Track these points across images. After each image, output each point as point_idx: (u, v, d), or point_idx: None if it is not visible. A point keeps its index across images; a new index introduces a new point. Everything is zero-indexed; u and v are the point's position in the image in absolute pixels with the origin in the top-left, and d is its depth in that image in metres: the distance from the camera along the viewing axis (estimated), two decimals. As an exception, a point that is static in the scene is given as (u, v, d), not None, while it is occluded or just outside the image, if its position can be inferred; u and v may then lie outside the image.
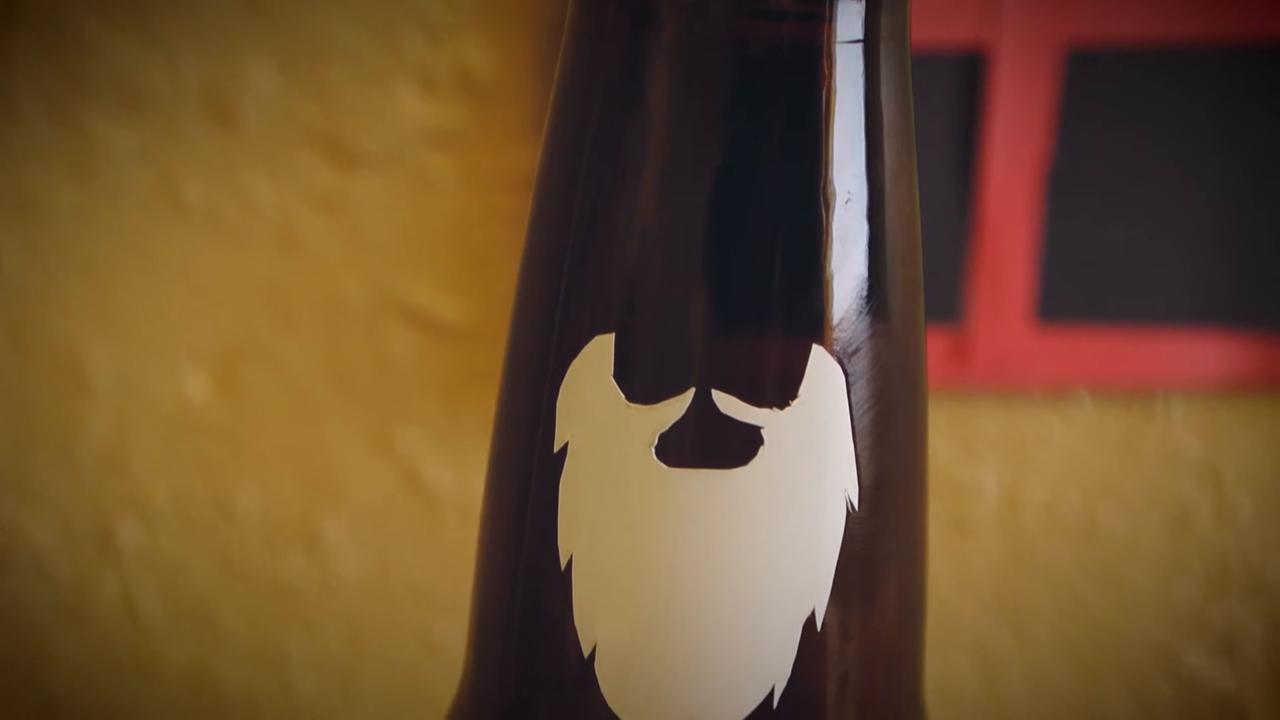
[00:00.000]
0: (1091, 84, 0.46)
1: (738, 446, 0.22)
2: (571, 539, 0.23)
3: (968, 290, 0.47)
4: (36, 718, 0.50)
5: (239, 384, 0.48)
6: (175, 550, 0.49)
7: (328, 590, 0.49)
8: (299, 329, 0.47)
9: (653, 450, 0.22)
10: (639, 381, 0.22)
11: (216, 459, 0.48)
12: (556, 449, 0.23)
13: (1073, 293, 0.47)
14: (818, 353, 0.22)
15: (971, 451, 0.49)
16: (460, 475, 0.48)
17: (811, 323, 0.22)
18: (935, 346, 0.47)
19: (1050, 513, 0.49)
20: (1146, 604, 0.50)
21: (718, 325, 0.22)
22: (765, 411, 0.22)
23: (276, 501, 0.49)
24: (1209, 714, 0.51)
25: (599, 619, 0.23)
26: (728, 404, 0.22)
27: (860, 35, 0.22)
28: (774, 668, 0.22)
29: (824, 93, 0.22)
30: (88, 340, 0.47)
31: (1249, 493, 0.49)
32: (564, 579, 0.23)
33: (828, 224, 0.22)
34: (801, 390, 0.22)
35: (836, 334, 0.22)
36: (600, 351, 0.22)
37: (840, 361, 0.22)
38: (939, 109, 0.46)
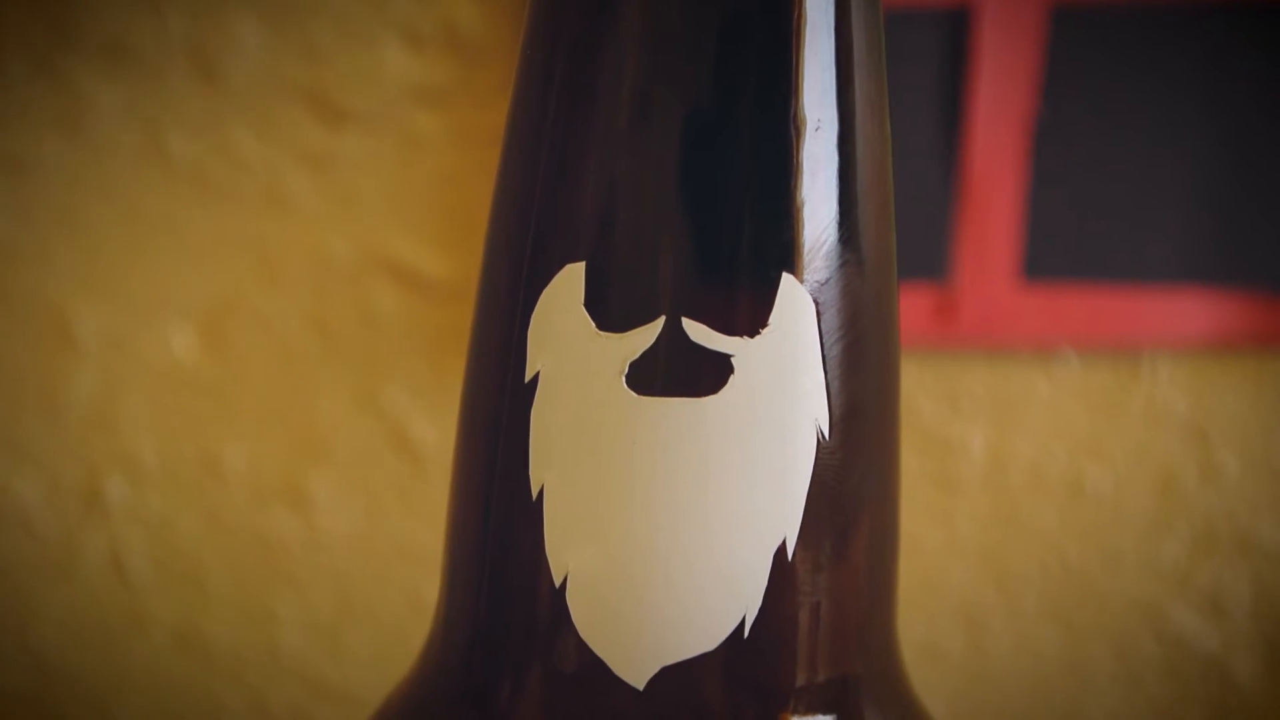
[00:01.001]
0: (1076, 41, 0.46)
1: (708, 375, 0.22)
2: (543, 469, 0.23)
3: (953, 248, 0.47)
4: (23, 675, 0.50)
5: (225, 341, 0.48)
6: (162, 507, 0.49)
7: (314, 547, 0.49)
8: (286, 286, 0.47)
9: (623, 379, 0.22)
10: (609, 310, 0.22)
11: (203, 416, 0.48)
12: (528, 378, 0.23)
13: (1059, 250, 0.47)
14: (788, 281, 0.22)
15: (957, 410, 0.49)
16: (446, 432, 0.48)
17: (782, 251, 0.22)
18: (921, 304, 0.47)
19: (1036, 472, 0.49)
20: (1132, 563, 0.50)
21: (688, 253, 0.22)
22: (735, 340, 0.22)
23: (263, 458, 0.49)
24: (1194, 673, 0.51)
25: (570, 549, 0.23)
26: (698, 332, 0.22)
27: (831, -38, 0.22)
28: (745, 596, 0.22)
29: (795, 19, 0.22)
30: (74, 297, 0.47)
31: (1235, 452, 0.49)
32: (535, 509, 0.23)
33: (798, 152, 0.22)
34: (772, 319, 0.22)
35: (807, 262, 0.22)
36: (571, 280, 0.22)
37: (811, 290, 0.22)
38: (924, 66, 0.46)
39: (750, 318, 0.22)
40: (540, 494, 0.23)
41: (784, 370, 0.22)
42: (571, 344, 0.22)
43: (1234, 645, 0.51)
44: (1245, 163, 0.46)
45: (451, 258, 0.47)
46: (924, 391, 0.48)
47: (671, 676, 0.22)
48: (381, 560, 0.49)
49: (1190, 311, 0.47)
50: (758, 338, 0.22)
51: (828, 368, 0.22)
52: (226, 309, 0.48)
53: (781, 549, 0.22)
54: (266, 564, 0.49)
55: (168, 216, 0.47)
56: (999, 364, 0.48)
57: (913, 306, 0.47)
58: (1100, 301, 0.47)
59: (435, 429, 0.48)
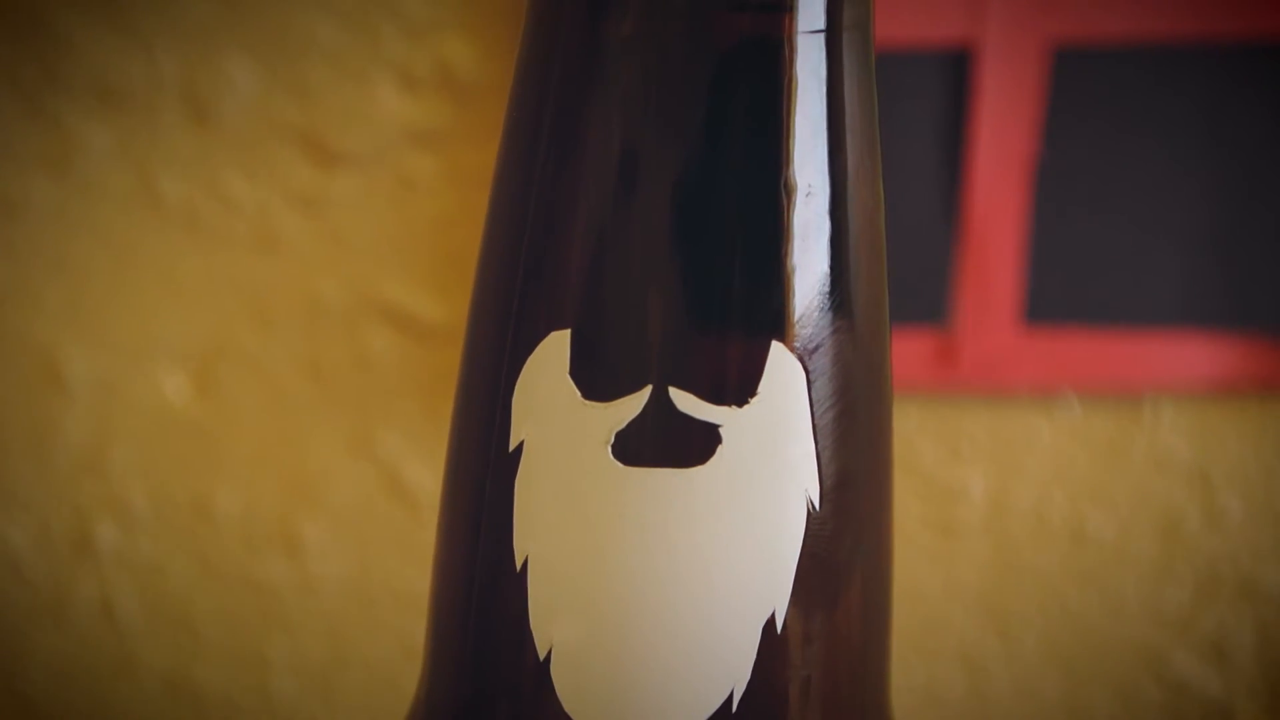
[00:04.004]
0: (1079, 82, 0.45)
1: (696, 445, 0.21)
2: (527, 539, 0.22)
3: (954, 291, 0.46)
4: (13, 720, 0.50)
5: (217, 384, 0.47)
6: (153, 552, 0.49)
7: (307, 592, 0.49)
8: (278, 329, 0.47)
9: (609, 449, 0.22)
10: (595, 378, 0.22)
11: (195, 460, 0.48)
12: (512, 447, 0.22)
13: (1060, 294, 0.47)
14: (777, 349, 0.21)
15: (958, 454, 0.48)
16: (440, 477, 0.47)
17: (771, 319, 0.22)
18: (921, 348, 0.46)
19: (1037, 517, 0.49)
20: (1135, 609, 0.50)
21: (675, 321, 0.22)
22: (724, 409, 0.21)
23: (255, 503, 0.48)
24: (1196, 718, 0.50)
25: (555, 621, 0.22)
26: (686, 402, 0.21)
27: (822, 25, 0.21)
28: (733, 670, 0.22)
29: (785, 83, 0.21)
30: (64, 340, 0.47)
31: (1238, 496, 0.49)
32: (519, 580, 0.22)
33: (788, 218, 0.21)
34: (761, 388, 0.21)
35: (797, 330, 0.22)
36: (556, 348, 0.22)
37: (800, 358, 0.22)
38: (925, 107, 0.45)
39: (739, 387, 0.21)
40: (524, 565, 0.22)
41: (773, 440, 0.22)
42: (556, 413, 0.22)
43: (1236, 691, 0.50)
44: (1248, 205, 0.46)
45: (446, 300, 0.47)
46: (924, 435, 0.48)
47: (658, 753, 0.22)
48: (374, 605, 0.49)
49: (1193, 355, 0.47)
50: (746, 407, 0.21)
51: (818, 437, 0.22)
52: (218, 352, 0.47)
53: (771, 621, 0.22)
54: (258, 609, 0.49)
55: (159, 258, 0.47)
56: (1000, 408, 0.48)
57: (913, 350, 0.46)
58: (1102, 345, 0.47)
59: (429, 473, 0.48)
